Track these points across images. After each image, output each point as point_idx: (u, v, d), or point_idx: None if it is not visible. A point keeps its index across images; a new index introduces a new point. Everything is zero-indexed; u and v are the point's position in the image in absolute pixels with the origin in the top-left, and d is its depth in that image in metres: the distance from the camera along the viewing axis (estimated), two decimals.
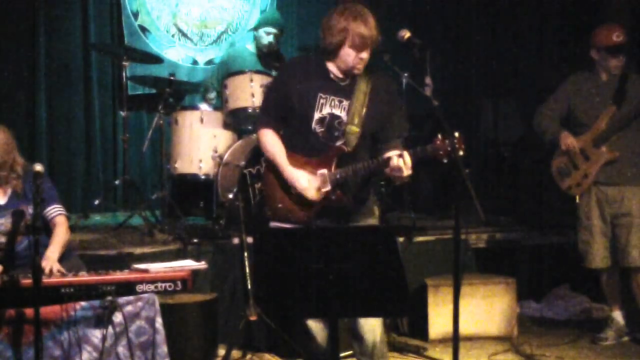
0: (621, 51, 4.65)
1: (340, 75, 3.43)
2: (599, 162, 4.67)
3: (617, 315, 4.84)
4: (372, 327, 3.50)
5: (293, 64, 3.69)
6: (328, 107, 3.40)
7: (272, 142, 3.49)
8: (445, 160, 3.12)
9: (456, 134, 3.09)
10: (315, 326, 3.53)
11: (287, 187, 3.44)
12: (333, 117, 3.40)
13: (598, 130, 4.67)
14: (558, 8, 7.26)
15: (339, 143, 3.40)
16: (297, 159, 3.43)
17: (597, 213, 4.71)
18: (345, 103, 3.40)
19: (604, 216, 4.70)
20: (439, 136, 3.13)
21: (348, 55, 3.33)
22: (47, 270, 3.46)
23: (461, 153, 3.09)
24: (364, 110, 3.39)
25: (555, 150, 4.84)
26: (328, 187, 3.37)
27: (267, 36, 5.79)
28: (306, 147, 3.43)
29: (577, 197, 4.77)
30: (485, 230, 5.68)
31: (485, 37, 7.45)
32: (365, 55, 3.34)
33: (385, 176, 3.38)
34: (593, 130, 4.69)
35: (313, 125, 3.39)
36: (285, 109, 3.45)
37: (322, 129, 3.40)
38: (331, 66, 3.43)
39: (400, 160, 3.19)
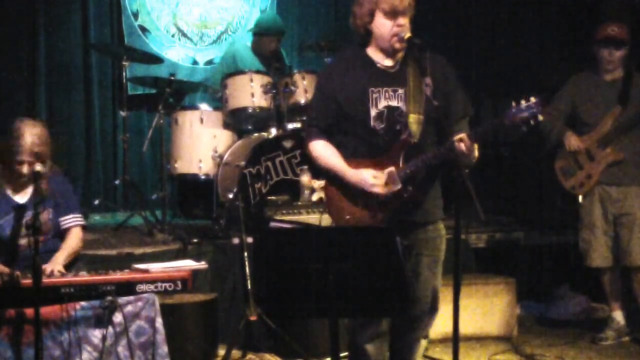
0: (615, 45, 4.63)
1: (387, 62, 3.17)
2: (603, 163, 4.67)
3: (617, 315, 4.83)
4: (418, 354, 3.37)
5: (333, 64, 3.34)
6: (383, 100, 3.14)
7: (325, 152, 3.23)
8: (524, 129, 2.89)
9: (532, 99, 2.86)
10: (374, 350, 3.29)
11: (352, 196, 3.18)
12: (391, 109, 3.14)
13: (603, 131, 4.66)
14: (558, 8, 7.26)
15: (402, 136, 3.12)
16: (361, 162, 3.15)
17: (599, 212, 4.71)
18: (401, 91, 3.13)
19: (607, 216, 4.70)
20: (513, 103, 2.89)
21: (383, 26, 3.08)
22: (47, 271, 3.45)
23: (541, 118, 2.87)
24: (422, 94, 3.09)
25: (560, 149, 4.84)
26: (398, 186, 3.09)
27: (269, 44, 5.96)
28: (368, 148, 3.16)
29: (580, 197, 4.77)
30: (485, 230, 5.67)
31: (485, 37, 7.44)
32: (402, 21, 3.07)
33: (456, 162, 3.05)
34: (598, 131, 4.68)
35: (372, 123, 3.13)
36: (335, 114, 3.19)
37: (382, 125, 3.14)
38: (373, 52, 3.18)
39: (461, 144, 2.95)
